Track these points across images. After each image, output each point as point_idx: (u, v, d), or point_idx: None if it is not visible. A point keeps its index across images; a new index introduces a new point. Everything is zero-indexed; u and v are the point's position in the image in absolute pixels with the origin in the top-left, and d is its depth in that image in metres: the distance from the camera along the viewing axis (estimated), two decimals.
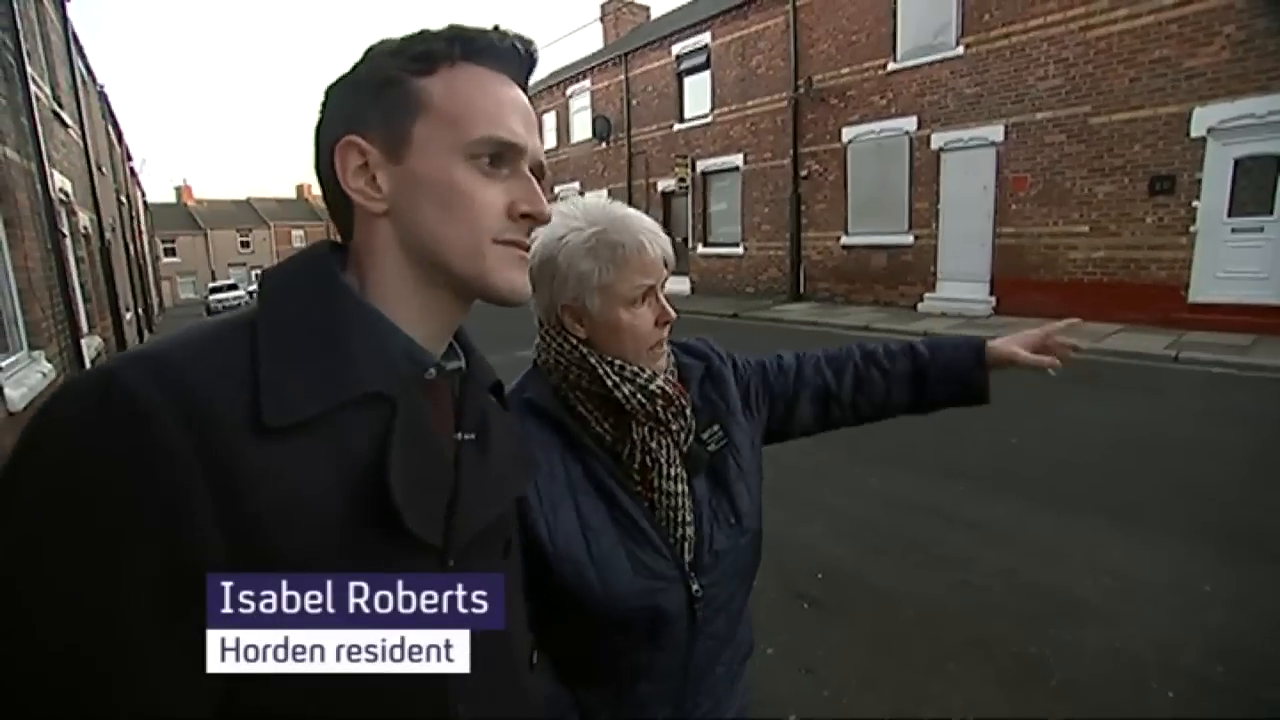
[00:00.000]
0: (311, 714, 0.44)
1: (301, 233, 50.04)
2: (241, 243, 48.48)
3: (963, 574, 2.92)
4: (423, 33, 0.51)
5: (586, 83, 17.30)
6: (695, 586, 0.81)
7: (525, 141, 0.52)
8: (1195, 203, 7.64)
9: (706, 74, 13.74)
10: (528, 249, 0.54)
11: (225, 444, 0.40)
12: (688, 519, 0.82)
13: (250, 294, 30.34)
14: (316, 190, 0.63)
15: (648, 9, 20.30)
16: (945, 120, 9.89)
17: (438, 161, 0.49)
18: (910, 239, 10.58)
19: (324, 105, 0.52)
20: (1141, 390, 5.68)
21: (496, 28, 0.52)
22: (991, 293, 9.63)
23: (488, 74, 0.52)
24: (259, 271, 0.53)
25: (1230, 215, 7.47)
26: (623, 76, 15.79)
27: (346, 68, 0.52)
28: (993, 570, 2.93)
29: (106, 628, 0.37)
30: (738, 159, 13.29)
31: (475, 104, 0.50)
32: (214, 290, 31.56)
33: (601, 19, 20.33)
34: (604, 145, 16.68)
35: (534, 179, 0.54)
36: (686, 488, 0.83)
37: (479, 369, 0.60)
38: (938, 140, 10.01)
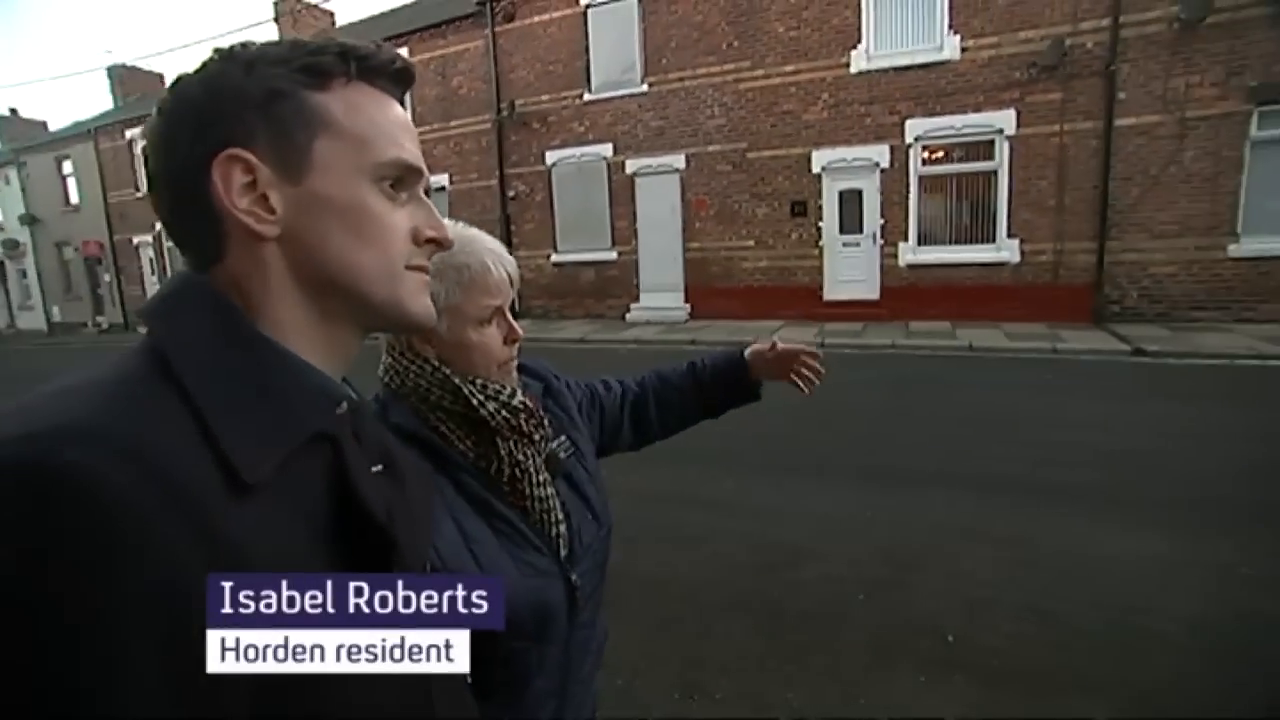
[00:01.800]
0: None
1: None
2: None
3: (710, 546, 3.28)
4: (304, 44, 0.47)
5: None
6: (574, 576, 0.87)
7: (423, 165, 0.51)
8: (820, 223, 9.95)
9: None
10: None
11: (206, 513, 0.37)
12: (560, 518, 0.87)
13: None
14: None
15: (332, 14, 18.41)
16: (636, 148, 11.09)
17: (344, 184, 0.46)
18: (614, 255, 11.57)
19: (175, 109, 0.45)
20: None
21: (380, 47, 0.49)
22: (686, 300, 11.08)
23: (380, 95, 0.50)
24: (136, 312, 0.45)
25: (841, 233, 9.89)
26: None
27: (194, 68, 0.47)
28: (732, 537, 3.35)
29: None
30: (443, 179, 12.95)
31: (378, 124, 0.48)
32: None
33: (276, 19, 17.73)
34: None
35: (431, 203, 0.54)
36: (554, 490, 0.88)
37: (363, 399, 0.58)
38: (631, 166, 11.16)
